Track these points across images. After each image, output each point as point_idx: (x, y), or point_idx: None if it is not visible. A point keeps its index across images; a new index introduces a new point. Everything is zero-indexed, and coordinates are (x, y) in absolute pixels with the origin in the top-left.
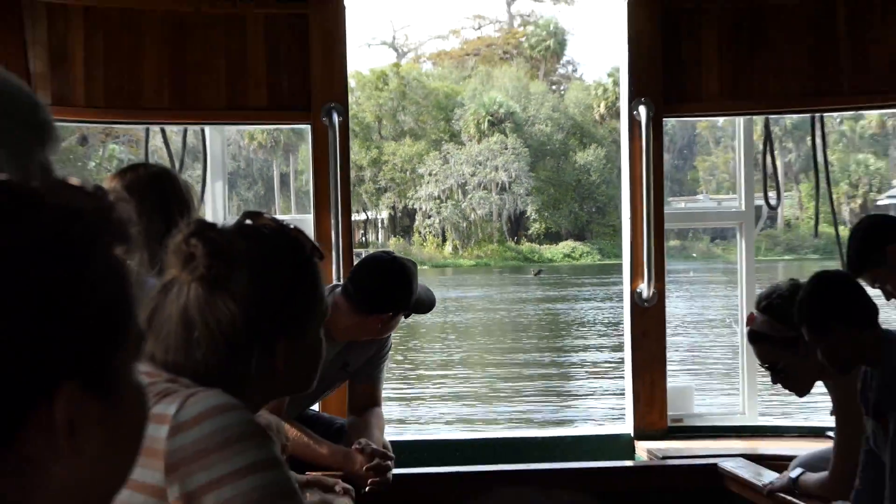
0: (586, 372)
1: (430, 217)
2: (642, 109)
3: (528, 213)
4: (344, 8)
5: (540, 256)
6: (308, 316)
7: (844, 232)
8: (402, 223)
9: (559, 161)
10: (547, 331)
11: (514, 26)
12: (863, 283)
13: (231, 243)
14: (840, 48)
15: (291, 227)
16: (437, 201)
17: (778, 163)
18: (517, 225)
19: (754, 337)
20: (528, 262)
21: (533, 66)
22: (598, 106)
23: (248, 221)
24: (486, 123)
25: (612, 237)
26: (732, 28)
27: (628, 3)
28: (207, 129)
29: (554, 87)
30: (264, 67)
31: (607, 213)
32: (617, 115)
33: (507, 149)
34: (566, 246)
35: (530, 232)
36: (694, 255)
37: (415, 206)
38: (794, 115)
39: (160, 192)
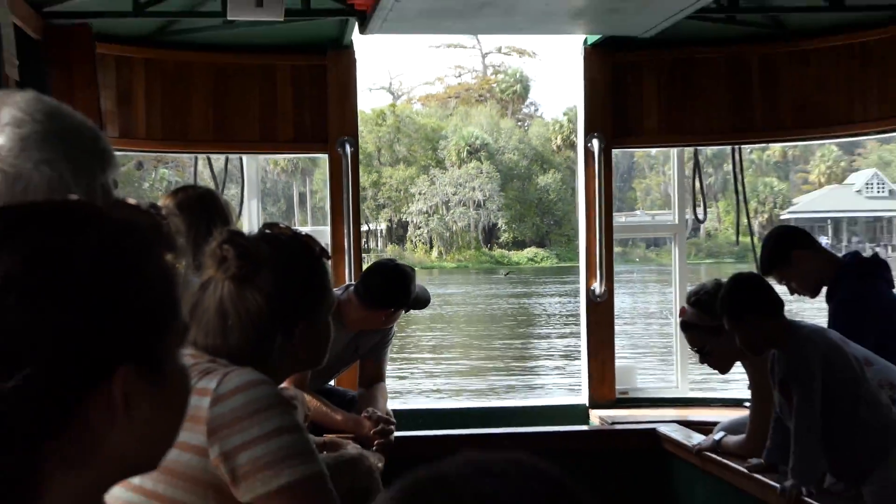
0: (549, 354)
1: (419, 228)
2: (595, 142)
3: (499, 225)
4: (355, 60)
5: (508, 260)
6: (319, 305)
7: (756, 240)
8: (397, 233)
9: (524, 183)
10: (516, 320)
11: (487, 75)
12: (772, 282)
13: (256, 247)
14: (753, 93)
15: (304, 234)
16: (426, 215)
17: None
18: (490, 234)
19: (685, 326)
20: (498, 265)
21: (503, 106)
22: (556, 139)
23: (268, 230)
24: (465, 152)
25: (566, 244)
26: (668, 76)
27: (584, 57)
28: (244, 157)
29: (520, 123)
30: (290, 107)
31: (563, 224)
32: (570, 146)
33: (482, 173)
34: (530, 251)
35: (501, 240)
36: (636, 259)
37: (407, 220)
38: (717, 146)
39: (205, 209)
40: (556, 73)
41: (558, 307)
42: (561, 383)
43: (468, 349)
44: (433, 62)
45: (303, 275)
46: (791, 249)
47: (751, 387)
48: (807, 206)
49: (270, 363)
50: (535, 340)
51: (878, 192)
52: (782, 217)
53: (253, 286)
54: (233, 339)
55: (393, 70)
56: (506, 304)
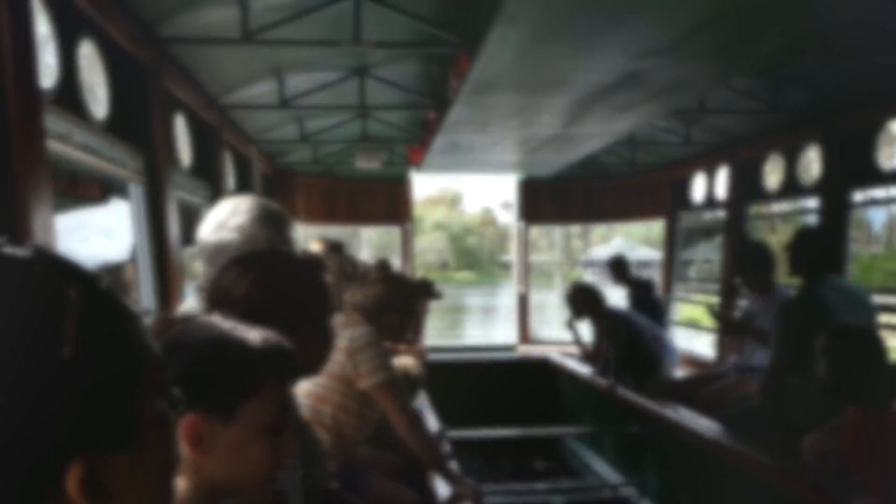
0: (474, 322)
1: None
2: (522, 223)
3: (449, 261)
4: (412, 185)
5: (454, 278)
6: (408, 297)
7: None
8: None
9: (462, 242)
10: (459, 309)
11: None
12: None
13: (388, 270)
14: (594, 202)
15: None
16: (417, 255)
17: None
18: (445, 266)
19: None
20: (448, 280)
21: (451, 206)
22: (477, 221)
23: (387, 265)
24: (433, 227)
25: (480, 270)
26: (555, 193)
27: (518, 183)
28: (362, 228)
29: (458, 214)
30: (383, 205)
31: (480, 261)
32: (482, 225)
33: (442, 237)
34: (464, 273)
35: (450, 268)
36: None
37: None
38: (578, 225)
39: (336, 248)
40: (476, 190)
41: (477, 300)
42: (487, 335)
43: (438, 320)
44: (423, 185)
45: (407, 285)
46: (617, 268)
47: (594, 336)
48: (592, 254)
49: (377, 326)
50: (467, 315)
51: (624, 249)
52: (582, 259)
53: (387, 287)
54: (371, 310)
55: None
56: (454, 300)
